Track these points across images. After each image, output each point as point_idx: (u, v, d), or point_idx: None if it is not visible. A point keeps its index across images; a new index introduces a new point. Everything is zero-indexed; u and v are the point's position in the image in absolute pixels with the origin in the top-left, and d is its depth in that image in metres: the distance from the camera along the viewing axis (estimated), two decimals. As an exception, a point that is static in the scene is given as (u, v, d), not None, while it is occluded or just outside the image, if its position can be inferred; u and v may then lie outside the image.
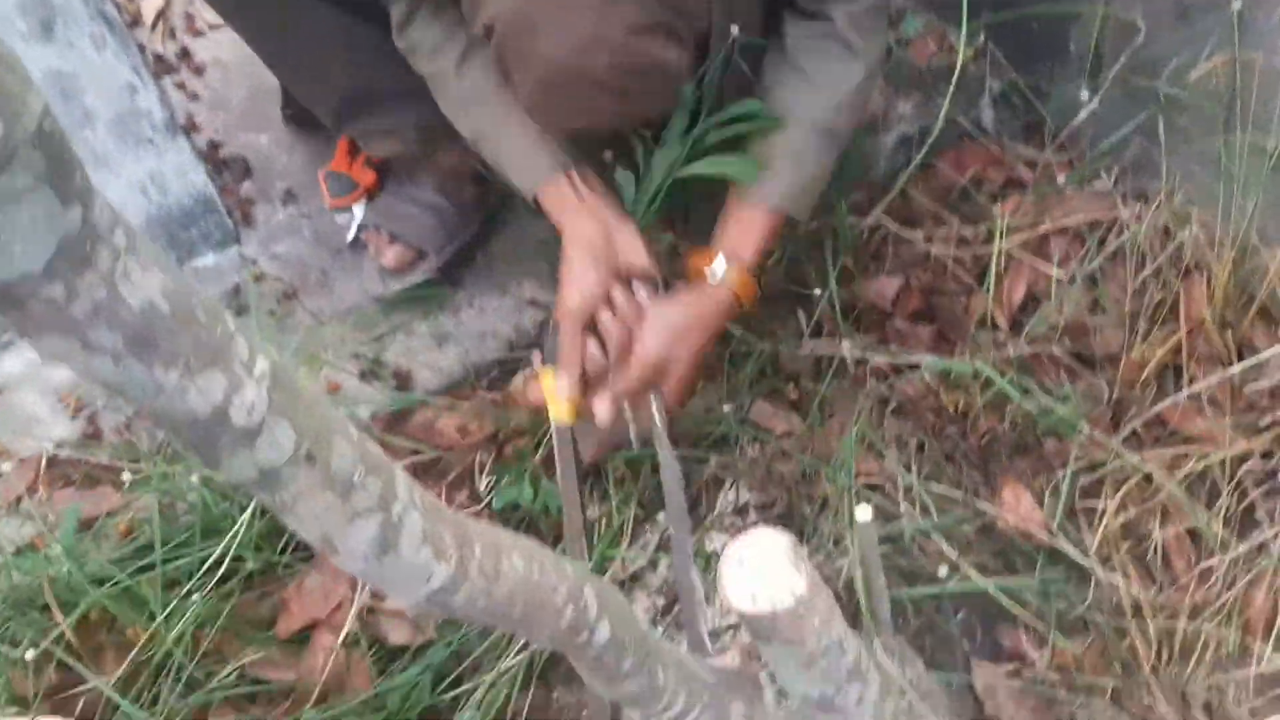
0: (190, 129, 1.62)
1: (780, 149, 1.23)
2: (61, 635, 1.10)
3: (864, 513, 0.97)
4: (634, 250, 1.21)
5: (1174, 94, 1.31)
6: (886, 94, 1.56)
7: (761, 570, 0.89)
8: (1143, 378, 1.32)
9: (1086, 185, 1.44)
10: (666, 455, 1.22)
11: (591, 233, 1.20)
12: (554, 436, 1.21)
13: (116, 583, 1.15)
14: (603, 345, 1.20)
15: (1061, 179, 1.45)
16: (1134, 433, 1.30)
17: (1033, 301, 1.40)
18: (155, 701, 1.10)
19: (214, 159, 1.59)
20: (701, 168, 1.22)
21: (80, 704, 1.08)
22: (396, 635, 1.22)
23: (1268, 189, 1.26)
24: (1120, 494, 1.25)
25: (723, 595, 0.88)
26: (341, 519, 0.53)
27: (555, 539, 1.26)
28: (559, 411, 1.19)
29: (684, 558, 1.20)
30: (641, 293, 1.21)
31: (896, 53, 1.59)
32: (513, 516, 1.27)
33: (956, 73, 1.41)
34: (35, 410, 1.39)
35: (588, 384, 1.20)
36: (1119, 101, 1.40)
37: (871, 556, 0.99)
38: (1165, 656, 1.22)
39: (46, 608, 1.14)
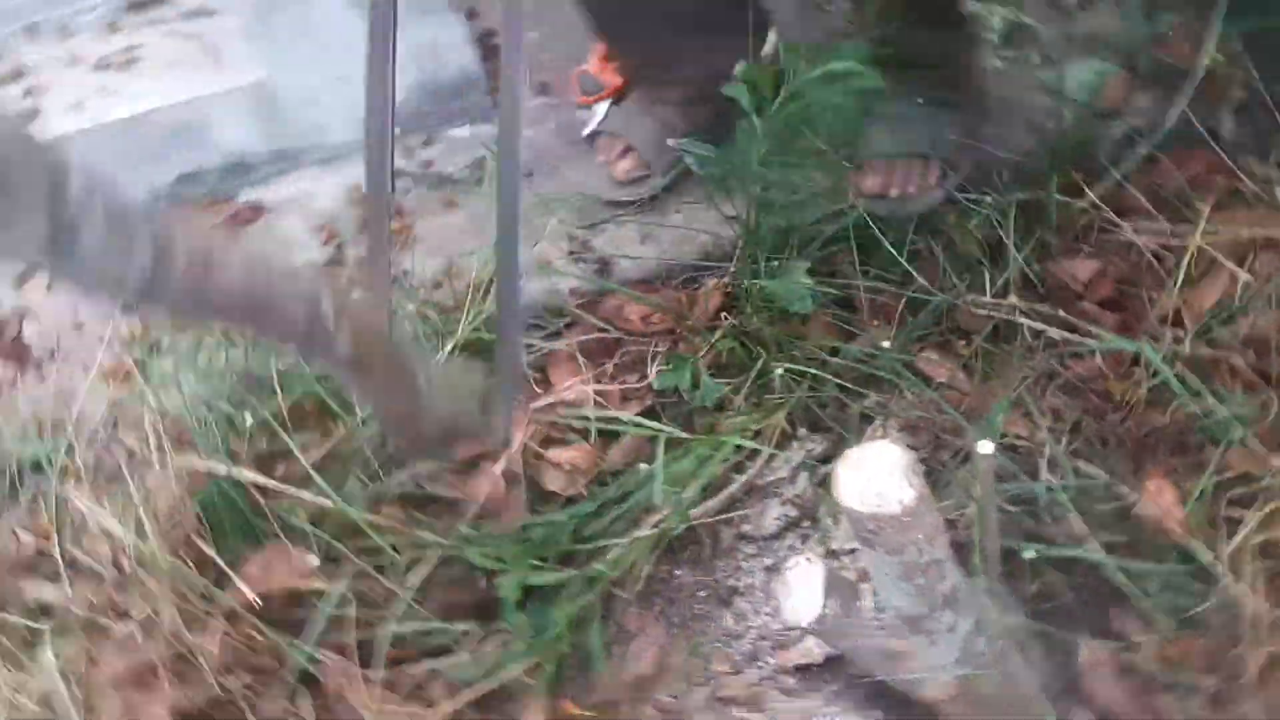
0: (470, 16, 1.77)
1: None
2: (278, 412, 1.27)
3: (986, 446, 1.02)
4: None
5: None
6: (1128, 84, 1.55)
7: (876, 476, 0.96)
8: (1322, 405, 1.29)
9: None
10: None
11: None
12: None
13: (331, 381, 1.32)
14: None
15: (1283, 196, 1.41)
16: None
17: (1225, 312, 1.37)
18: (342, 484, 1.26)
19: (486, 45, 1.74)
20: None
21: (280, 470, 1.25)
22: (551, 483, 1.34)
23: None
24: (1268, 508, 1.23)
25: (835, 492, 0.96)
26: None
27: (709, 429, 1.34)
28: None
29: None
30: None
31: (1149, 48, 1.57)
32: (669, 402, 1.37)
33: (1199, 75, 1.40)
34: (297, 233, 1.58)
35: None
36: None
37: (987, 488, 1.03)
38: (1275, 675, 1.20)
39: (274, 390, 1.32)
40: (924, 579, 1.02)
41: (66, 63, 1.64)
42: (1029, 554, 1.19)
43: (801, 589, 1.07)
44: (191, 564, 1.19)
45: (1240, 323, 1.33)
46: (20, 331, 1.53)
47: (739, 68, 1.33)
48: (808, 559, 1.09)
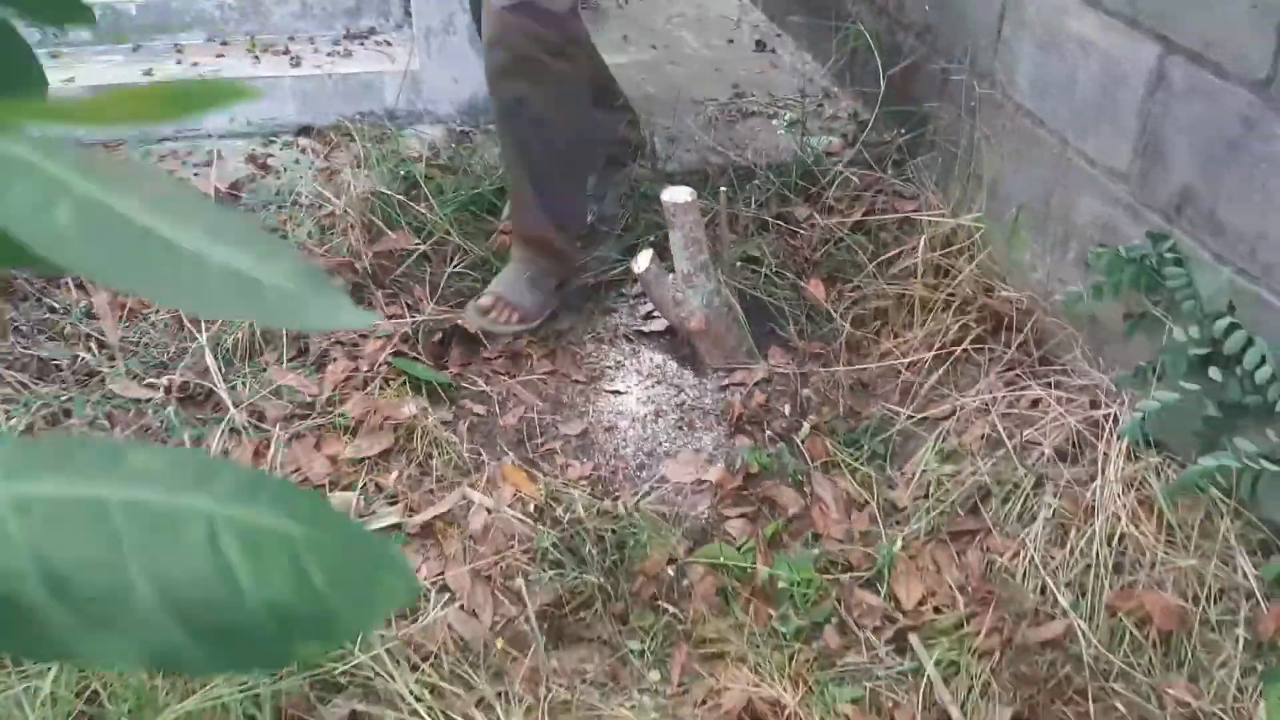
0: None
1: None
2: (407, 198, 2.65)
3: (723, 188, 2.43)
4: None
5: (954, 152, 2.75)
6: (843, 145, 3.07)
7: (677, 190, 2.36)
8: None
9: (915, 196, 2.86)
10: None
11: None
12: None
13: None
14: None
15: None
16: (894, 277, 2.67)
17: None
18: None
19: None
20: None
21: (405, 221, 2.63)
22: (532, 249, 2.70)
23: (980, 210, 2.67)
24: (858, 294, 2.62)
25: (661, 198, 2.36)
26: None
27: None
28: None
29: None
30: None
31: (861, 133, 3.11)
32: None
33: (864, 133, 2.92)
34: (414, 145, 3.01)
35: None
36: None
37: (723, 205, 2.43)
38: (855, 361, 2.55)
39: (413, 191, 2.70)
40: (693, 249, 2.41)
41: (311, 52, 3.13)
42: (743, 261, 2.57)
43: (641, 257, 2.44)
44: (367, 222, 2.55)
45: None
46: (265, 162, 2.92)
47: None
48: (649, 247, 2.46)
